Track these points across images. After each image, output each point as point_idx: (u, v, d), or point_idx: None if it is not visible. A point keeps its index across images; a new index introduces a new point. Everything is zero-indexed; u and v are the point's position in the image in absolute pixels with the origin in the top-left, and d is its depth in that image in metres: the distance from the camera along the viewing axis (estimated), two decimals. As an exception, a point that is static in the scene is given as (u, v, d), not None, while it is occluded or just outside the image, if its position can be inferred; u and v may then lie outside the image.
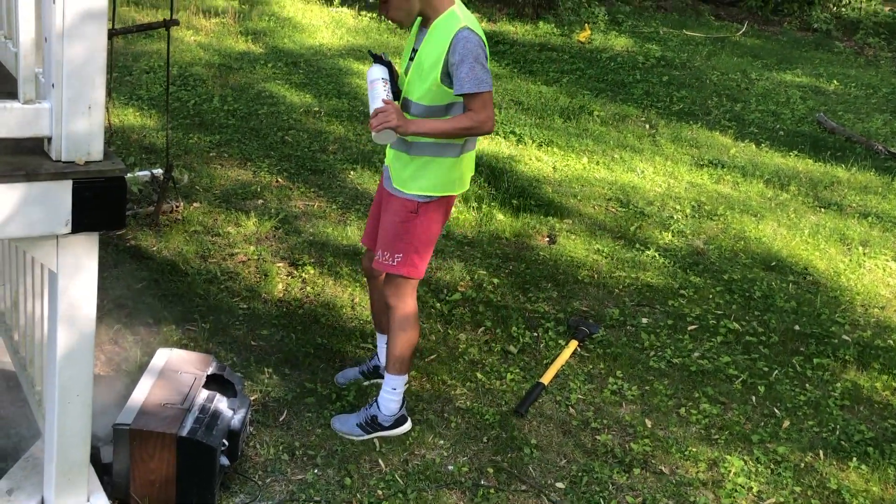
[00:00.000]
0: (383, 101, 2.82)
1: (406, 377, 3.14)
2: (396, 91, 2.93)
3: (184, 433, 2.64)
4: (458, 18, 2.81)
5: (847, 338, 4.18)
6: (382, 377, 3.35)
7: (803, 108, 7.87)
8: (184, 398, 2.78)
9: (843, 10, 11.99)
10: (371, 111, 2.84)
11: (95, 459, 2.63)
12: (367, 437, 3.11)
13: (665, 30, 10.12)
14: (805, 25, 11.44)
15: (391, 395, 3.11)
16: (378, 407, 3.12)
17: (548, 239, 4.85)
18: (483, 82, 2.74)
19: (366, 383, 3.40)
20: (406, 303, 3.04)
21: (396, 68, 3.01)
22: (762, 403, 3.64)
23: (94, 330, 2.27)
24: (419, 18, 2.92)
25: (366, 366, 3.44)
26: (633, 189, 5.62)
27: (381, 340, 3.36)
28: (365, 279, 3.26)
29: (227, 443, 2.76)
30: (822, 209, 5.72)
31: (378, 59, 2.95)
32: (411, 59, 2.91)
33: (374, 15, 9.02)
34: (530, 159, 5.90)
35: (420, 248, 2.98)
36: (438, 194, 2.94)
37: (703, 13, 11.43)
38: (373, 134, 2.83)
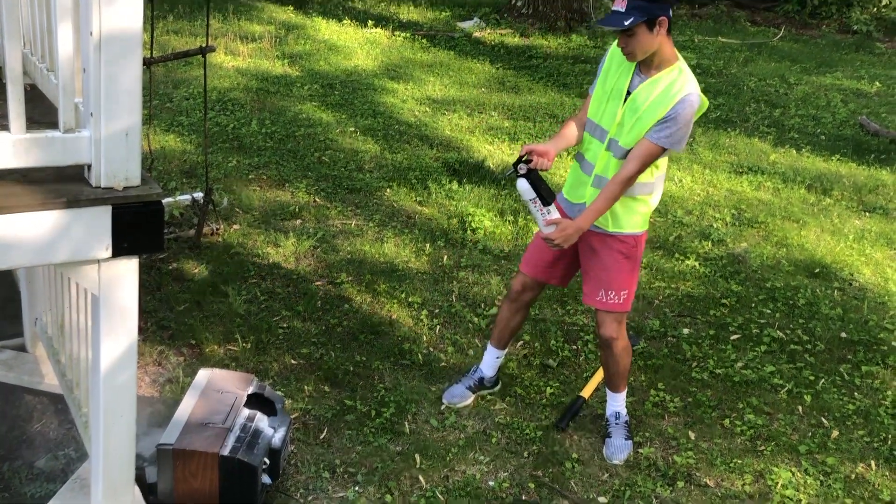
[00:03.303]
0: (547, 222, 2.93)
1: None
2: (548, 192, 2.95)
3: (226, 452, 2.67)
4: (687, 80, 2.84)
5: (896, 344, 4.08)
6: (488, 388, 3.51)
7: (845, 111, 7.73)
8: (225, 417, 2.81)
9: (884, 10, 11.77)
10: (543, 234, 2.96)
11: (140, 479, 2.67)
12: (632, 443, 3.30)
13: (700, 37, 10.04)
14: (844, 28, 11.25)
15: (623, 403, 3.34)
16: (625, 414, 3.33)
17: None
18: (680, 144, 2.85)
19: (469, 400, 3.46)
20: (625, 333, 3.22)
21: (562, 139, 3.04)
22: (809, 413, 3.56)
23: (137, 351, 2.31)
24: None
25: (470, 379, 3.49)
26: (672, 198, 5.57)
27: (491, 354, 3.48)
28: (507, 300, 3.41)
29: (268, 461, 2.79)
30: (867, 213, 5.61)
31: (517, 169, 2.91)
32: (624, 100, 2.90)
33: (408, 35, 9.09)
34: (566, 171, 5.88)
35: (637, 278, 3.15)
36: (647, 227, 3.11)
37: (738, 19, 11.31)
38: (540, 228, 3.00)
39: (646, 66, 2.88)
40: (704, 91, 8.40)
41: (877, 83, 8.71)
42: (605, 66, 3.01)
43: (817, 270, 4.76)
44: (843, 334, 4.13)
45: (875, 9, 11.80)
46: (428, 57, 8.47)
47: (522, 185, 2.91)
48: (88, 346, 2.46)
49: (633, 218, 3.02)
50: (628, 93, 2.90)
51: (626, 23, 2.72)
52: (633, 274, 3.10)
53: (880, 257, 4.98)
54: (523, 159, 2.91)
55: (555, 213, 2.95)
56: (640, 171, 2.87)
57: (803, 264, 4.82)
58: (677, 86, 2.82)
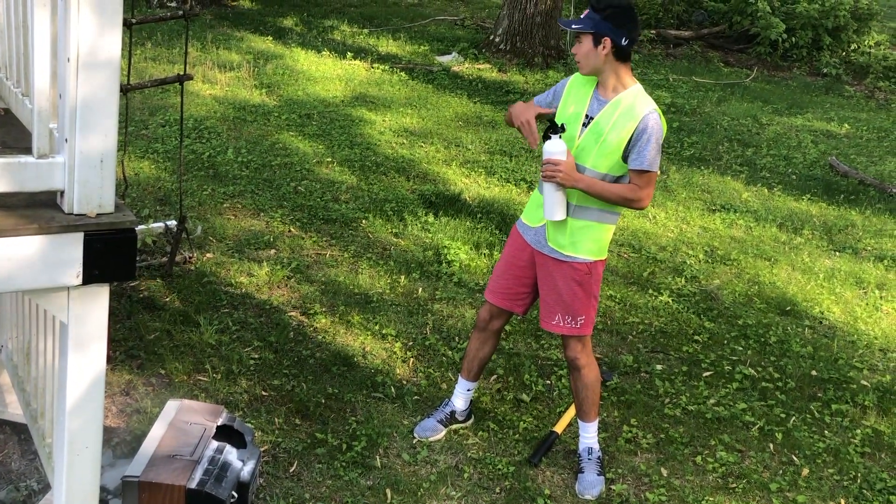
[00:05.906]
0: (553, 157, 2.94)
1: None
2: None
3: (193, 485, 2.62)
4: (646, 99, 2.96)
5: (866, 383, 4.12)
6: (459, 421, 3.46)
7: (815, 151, 7.88)
8: (193, 449, 2.76)
9: (853, 55, 12.06)
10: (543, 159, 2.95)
11: (104, 512, 2.61)
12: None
13: (674, 77, 10.21)
14: (814, 70, 11.50)
15: (595, 436, 3.33)
16: (597, 450, 3.31)
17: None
18: (657, 163, 2.95)
19: (440, 434, 3.42)
20: (592, 358, 3.24)
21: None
22: (780, 451, 3.57)
23: (105, 381, 2.27)
24: (594, 81, 3.01)
25: (441, 413, 3.47)
26: (645, 234, 5.62)
27: (462, 386, 3.46)
28: (479, 330, 3.41)
29: (236, 495, 2.74)
30: (837, 253, 5.69)
31: (553, 130, 2.95)
32: (585, 124, 2.99)
33: (387, 67, 9.15)
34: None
35: (595, 304, 3.15)
36: (604, 256, 3.14)
37: (712, 60, 11.53)
38: (545, 211, 3.01)
39: (604, 89, 2.99)
40: (678, 129, 8.52)
41: (846, 125, 8.90)
42: (567, 91, 3.10)
43: (788, 308, 4.81)
44: (814, 372, 4.17)
45: (844, 53, 12.08)
46: (406, 90, 8.52)
47: (559, 141, 2.94)
48: (55, 375, 2.42)
49: (590, 244, 3.07)
50: (588, 117, 3.00)
51: (574, 26, 2.91)
52: (590, 300, 3.13)
53: (850, 296, 5.04)
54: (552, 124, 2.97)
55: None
56: (648, 196, 2.99)
57: (775, 302, 4.87)
58: (639, 104, 2.95)
